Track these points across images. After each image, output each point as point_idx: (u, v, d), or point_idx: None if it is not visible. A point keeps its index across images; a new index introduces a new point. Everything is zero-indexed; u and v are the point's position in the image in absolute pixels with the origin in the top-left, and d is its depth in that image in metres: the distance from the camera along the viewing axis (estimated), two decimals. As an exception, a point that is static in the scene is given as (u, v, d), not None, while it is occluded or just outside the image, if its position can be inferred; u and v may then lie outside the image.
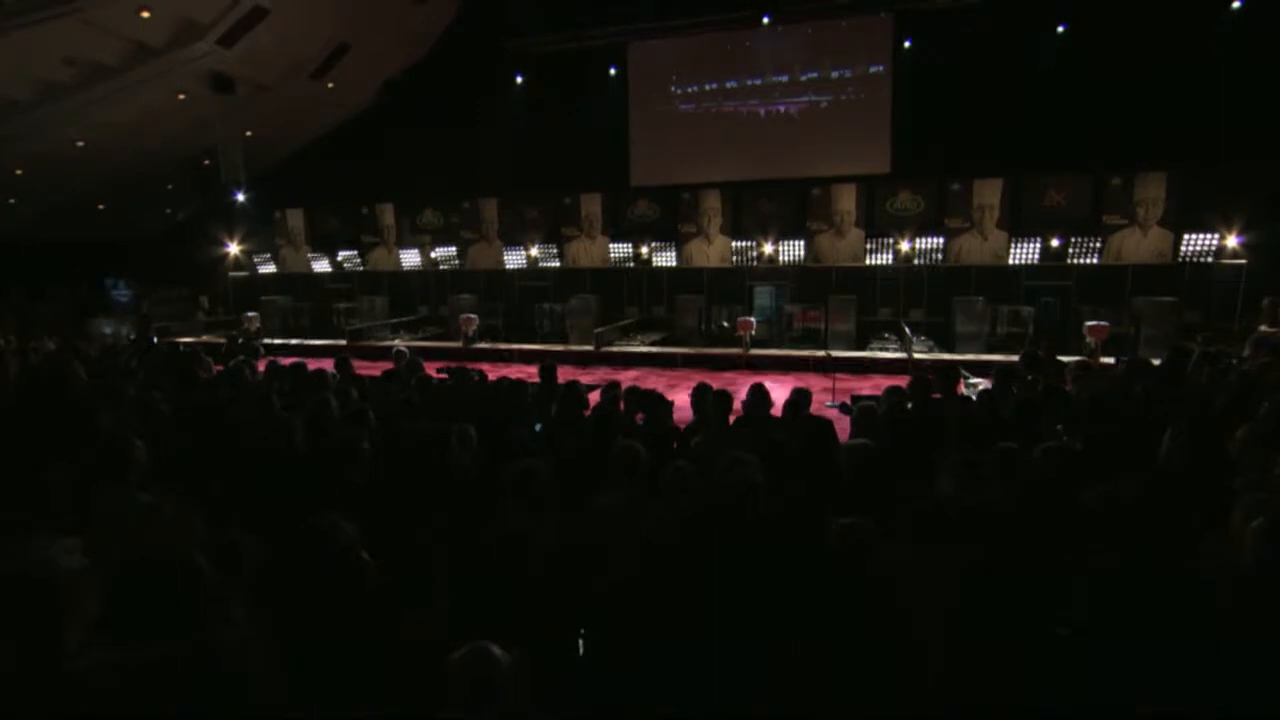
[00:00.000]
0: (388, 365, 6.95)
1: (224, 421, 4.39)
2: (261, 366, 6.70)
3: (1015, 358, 10.41)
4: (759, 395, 4.72)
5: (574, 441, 4.10)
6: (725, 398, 4.51)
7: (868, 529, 2.26)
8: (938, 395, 5.04)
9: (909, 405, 4.77)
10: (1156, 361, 5.68)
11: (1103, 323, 9.90)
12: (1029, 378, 4.83)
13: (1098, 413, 3.80)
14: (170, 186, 16.32)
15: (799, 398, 4.73)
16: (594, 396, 5.43)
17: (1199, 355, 4.76)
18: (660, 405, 4.75)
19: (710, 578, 2.57)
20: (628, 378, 10.59)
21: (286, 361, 7.25)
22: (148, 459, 3.55)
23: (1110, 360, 7.37)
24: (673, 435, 4.60)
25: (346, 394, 5.42)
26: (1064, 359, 6.80)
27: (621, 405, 4.89)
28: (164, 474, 3.71)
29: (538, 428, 4.88)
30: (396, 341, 13.79)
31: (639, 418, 5.00)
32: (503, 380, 5.51)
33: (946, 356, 10.83)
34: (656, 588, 2.57)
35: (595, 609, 2.61)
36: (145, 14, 10.18)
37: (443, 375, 6.30)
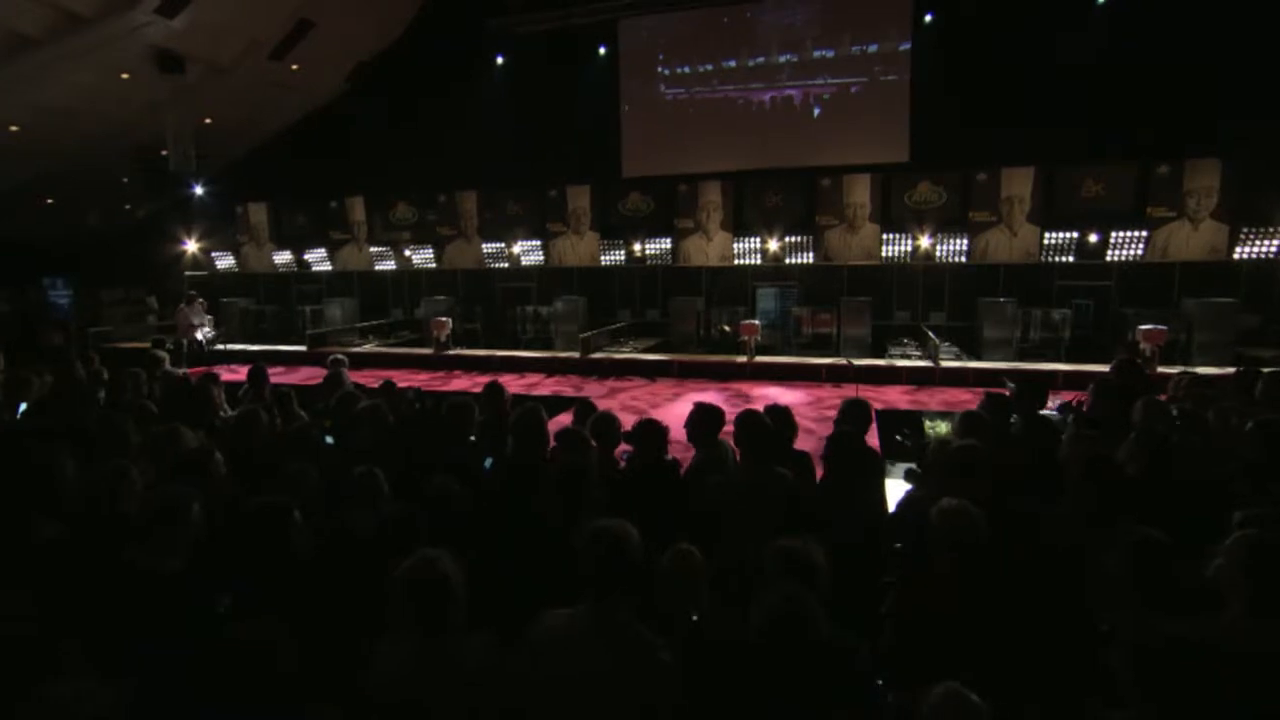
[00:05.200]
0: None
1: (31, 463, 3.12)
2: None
3: (1054, 366, 9.40)
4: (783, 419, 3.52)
5: (520, 506, 2.84)
6: (758, 424, 3.25)
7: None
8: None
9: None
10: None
11: (1159, 326, 8.69)
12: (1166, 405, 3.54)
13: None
14: (125, 180, 15.06)
15: (852, 421, 3.51)
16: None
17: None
18: (651, 437, 3.50)
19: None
20: (617, 388, 9.40)
21: (198, 370, 6.08)
22: None
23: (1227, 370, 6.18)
24: (669, 481, 3.36)
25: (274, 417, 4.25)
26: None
27: (594, 438, 3.63)
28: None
29: (488, 464, 3.72)
30: (366, 347, 12.63)
31: (621, 451, 3.79)
32: (444, 400, 4.25)
33: (972, 365, 9.65)
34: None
35: None
36: (67, -26, 8.96)
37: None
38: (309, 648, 1.82)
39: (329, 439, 4.20)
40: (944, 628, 2.12)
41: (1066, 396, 5.36)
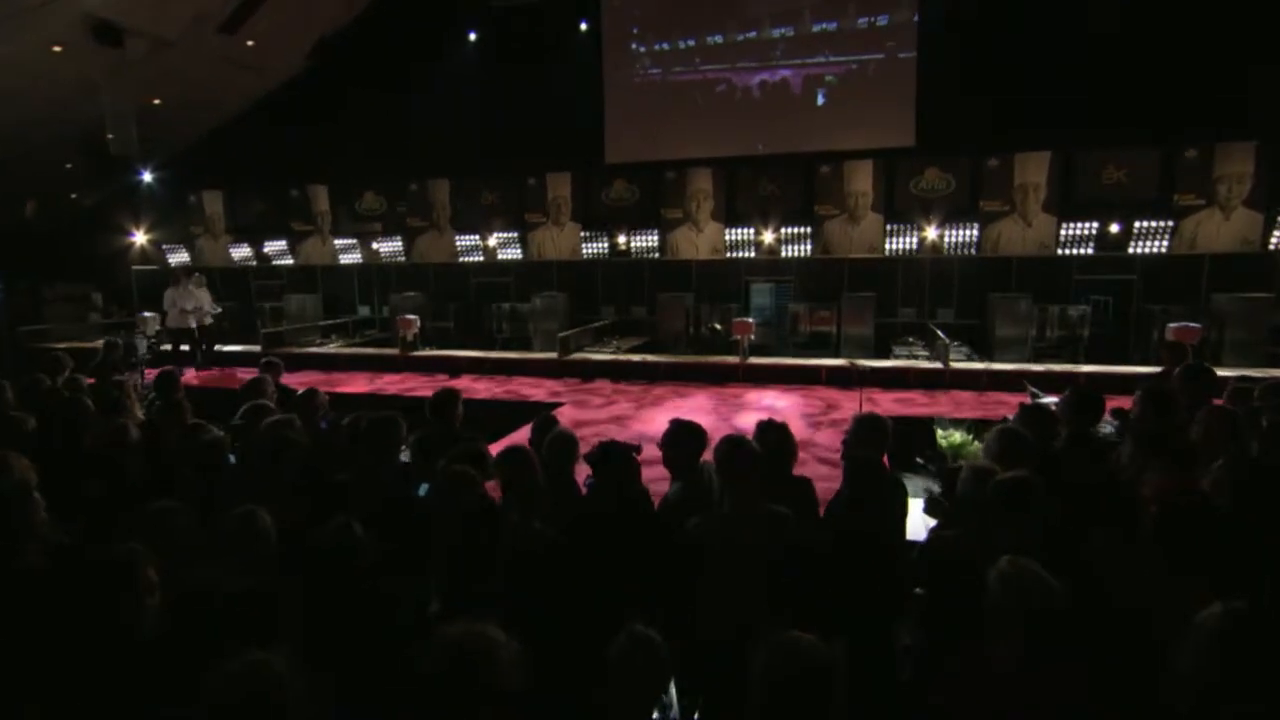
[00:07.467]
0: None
1: None
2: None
3: (1073, 367, 8.58)
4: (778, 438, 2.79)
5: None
6: (742, 453, 2.48)
7: None
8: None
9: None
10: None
11: (1193, 324, 7.92)
12: None
13: None
14: (70, 165, 13.99)
15: (866, 443, 2.81)
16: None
17: None
18: (612, 465, 2.70)
19: None
20: (598, 393, 8.50)
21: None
22: None
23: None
24: (631, 524, 2.54)
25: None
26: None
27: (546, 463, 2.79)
28: None
29: (421, 490, 3.08)
30: (330, 347, 11.66)
31: (586, 477, 3.00)
32: (364, 418, 3.32)
33: (986, 366, 8.84)
34: None
35: None
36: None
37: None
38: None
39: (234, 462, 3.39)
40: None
41: (1115, 403, 4.60)
